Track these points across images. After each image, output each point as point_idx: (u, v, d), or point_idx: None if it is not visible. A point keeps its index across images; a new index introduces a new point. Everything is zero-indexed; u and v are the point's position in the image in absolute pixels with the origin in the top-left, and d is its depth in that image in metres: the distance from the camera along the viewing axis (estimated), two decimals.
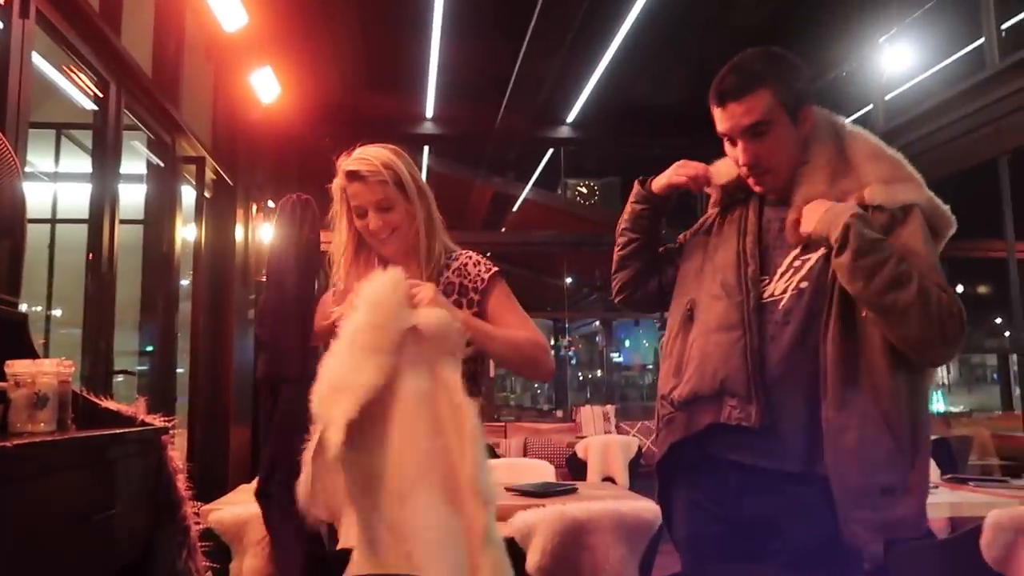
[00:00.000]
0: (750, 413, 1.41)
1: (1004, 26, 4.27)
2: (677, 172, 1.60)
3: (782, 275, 1.46)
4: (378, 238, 1.62)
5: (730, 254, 1.52)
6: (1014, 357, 9.94)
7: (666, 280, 1.69)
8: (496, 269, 1.66)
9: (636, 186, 1.67)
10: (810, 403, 1.38)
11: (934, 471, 3.55)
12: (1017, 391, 5.64)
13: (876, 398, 1.33)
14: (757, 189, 1.53)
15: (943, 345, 1.33)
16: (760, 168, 1.48)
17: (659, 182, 1.62)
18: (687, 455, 1.52)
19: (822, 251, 1.42)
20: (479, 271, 1.65)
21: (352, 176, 1.61)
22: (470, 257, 1.68)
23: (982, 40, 4.31)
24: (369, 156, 1.61)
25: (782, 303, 1.44)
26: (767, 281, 1.47)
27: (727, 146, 1.53)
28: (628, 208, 1.69)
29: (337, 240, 1.68)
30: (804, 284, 1.43)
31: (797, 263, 1.46)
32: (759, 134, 1.45)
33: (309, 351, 1.58)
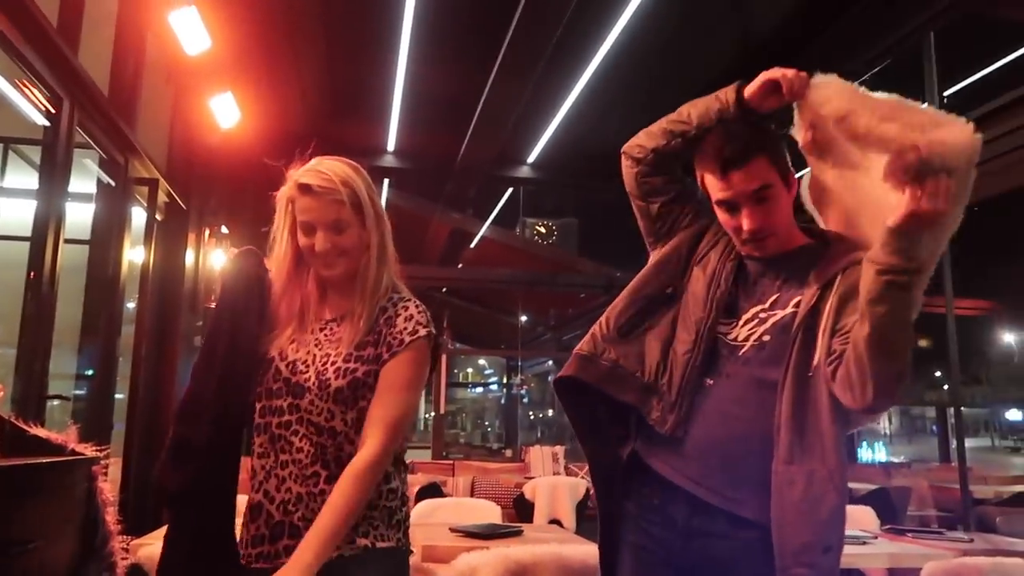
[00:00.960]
0: (667, 420, 1.46)
1: (947, 93, 4.47)
2: (772, 74, 1.47)
3: (746, 323, 1.49)
4: (323, 260, 1.47)
5: (699, 294, 1.55)
6: (951, 410, 10.23)
7: (671, 202, 1.65)
8: (421, 335, 1.46)
9: (730, 90, 1.52)
10: (764, 452, 1.40)
11: (874, 521, 3.61)
12: (954, 443, 5.80)
13: (824, 456, 1.35)
14: (755, 254, 1.53)
15: (898, 393, 1.36)
16: (764, 233, 1.48)
17: (752, 86, 1.49)
18: (635, 474, 1.53)
19: (791, 309, 1.46)
20: (404, 329, 1.46)
21: (304, 189, 1.46)
22: (407, 310, 1.49)
23: (925, 105, 4.50)
24: (326, 170, 1.46)
25: (743, 351, 1.47)
26: (733, 324, 1.51)
27: (723, 215, 1.52)
28: (709, 100, 1.55)
29: (276, 254, 1.52)
30: (766, 338, 1.46)
31: (763, 315, 1.48)
32: (763, 199, 1.46)
33: (225, 418, 1.46)
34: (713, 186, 1.51)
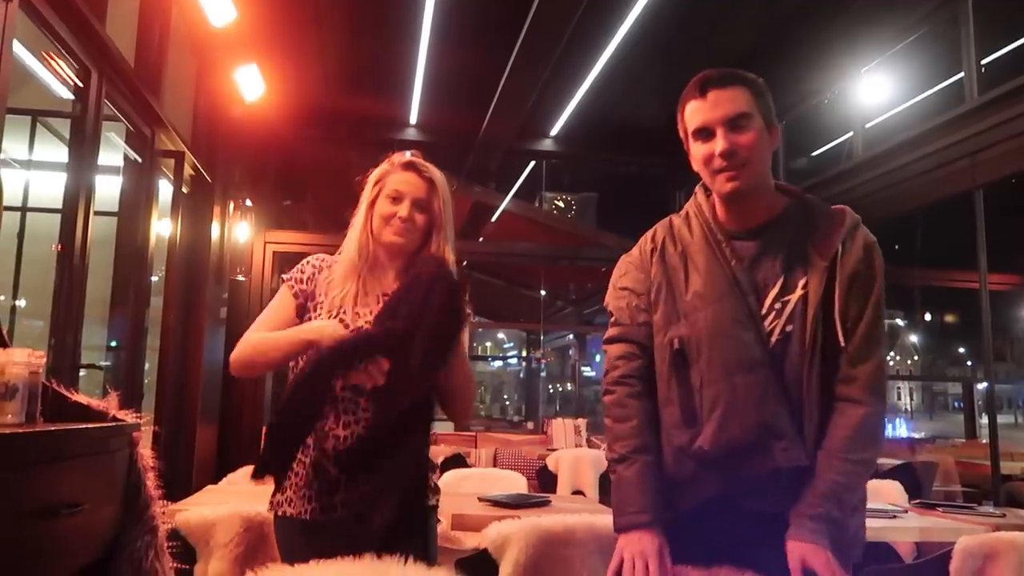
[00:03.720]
0: (801, 453, 1.38)
1: (984, 61, 4.36)
2: None
3: (765, 317, 1.43)
4: (400, 227, 1.66)
5: (715, 285, 1.45)
6: (977, 386, 10.12)
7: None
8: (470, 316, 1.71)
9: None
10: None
11: (902, 495, 3.59)
12: (984, 419, 5.73)
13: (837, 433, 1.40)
14: (727, 187, 1.44)
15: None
16: (738, 159, 1.42)
17: None
18: (692, 514, 1.46)
19: (800, 292, 1.42)
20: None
21: (409, 166, 1.71)
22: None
23: (962, 74, 4.40)
24: (426, 162, 1.74)
25: (771, 346, 1.42)
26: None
27: (696, 145, 1.47)
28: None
29: (355, 222, 1.72)
30: (789, 327, 1.42)
31: (778, 305, 1.43)
32: (740, 127, 1.42)
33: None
34: (692, 112, 1.47)
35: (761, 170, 1.46)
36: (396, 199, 1.68)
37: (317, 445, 1.58)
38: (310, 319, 1.67)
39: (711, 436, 1.40)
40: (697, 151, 1.48)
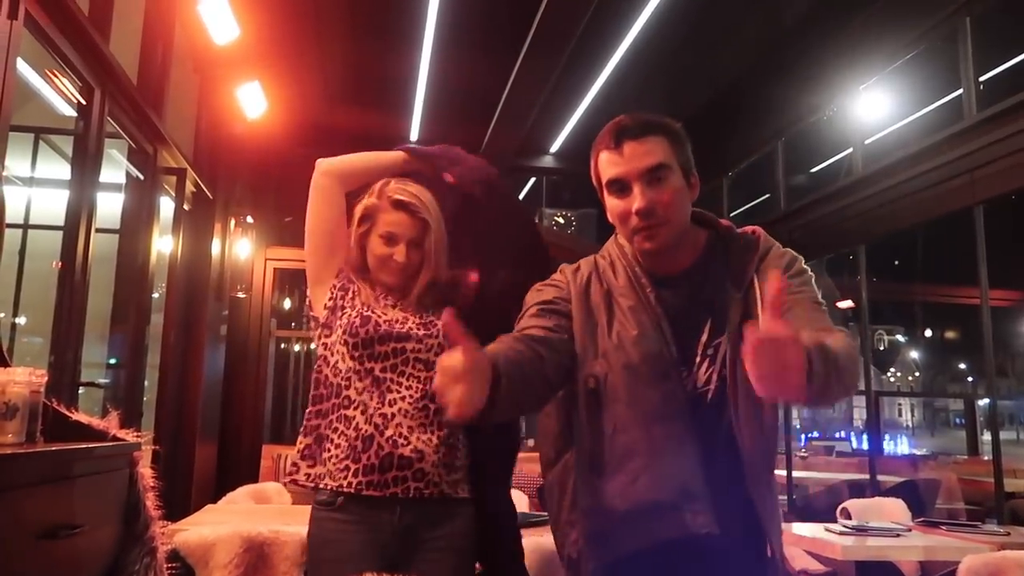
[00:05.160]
0: (711, 520, 1.29)
1: (983, 78, 4.38)
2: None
3: (699, 364, 1.37)
4: (394, 268, 1.67)
5: (640, 329, 1.36)
6: (979, 403, 10.09)
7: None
8: None
9: None
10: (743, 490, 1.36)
11: (905, 513, 3.57)
12: (986, 436, 5.70)
13: (772, 468, 1.42)
14: (644, 245, 1.36)
15: None
16: (656, 218, 1.32)
17: None
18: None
19: (724, 337, 1.35)
20: None
21: (398, 205, 1.66)
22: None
23: (960, 91, 4.42)
24: (416, 192, 1.68)
25: (710, 395, 1.35)
26: (687, 372, 1.37)
27: (611, 199, 1.38)
28: None
29: (348, 259, 1.74)
30: (724, 372, 1.35)
31: (710, 351, 1.37)
32: (657, 179, 1.33)
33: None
34: (605, 164, 1.37)
35: (680, 226, 1.38)
36: (390, 241, 1.67)
37: None
38: (342, 309, 1.70)
39: (620, 488, 1.32)
40: (613, 206, 1.38)
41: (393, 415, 1.60)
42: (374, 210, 1.68)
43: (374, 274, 1.72)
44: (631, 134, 1.35)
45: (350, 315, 1.66)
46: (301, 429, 1.68)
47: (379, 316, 1.66)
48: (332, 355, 1.67)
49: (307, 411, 1.68)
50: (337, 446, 1.61)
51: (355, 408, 1.61)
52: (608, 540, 1.36)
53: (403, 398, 1.62)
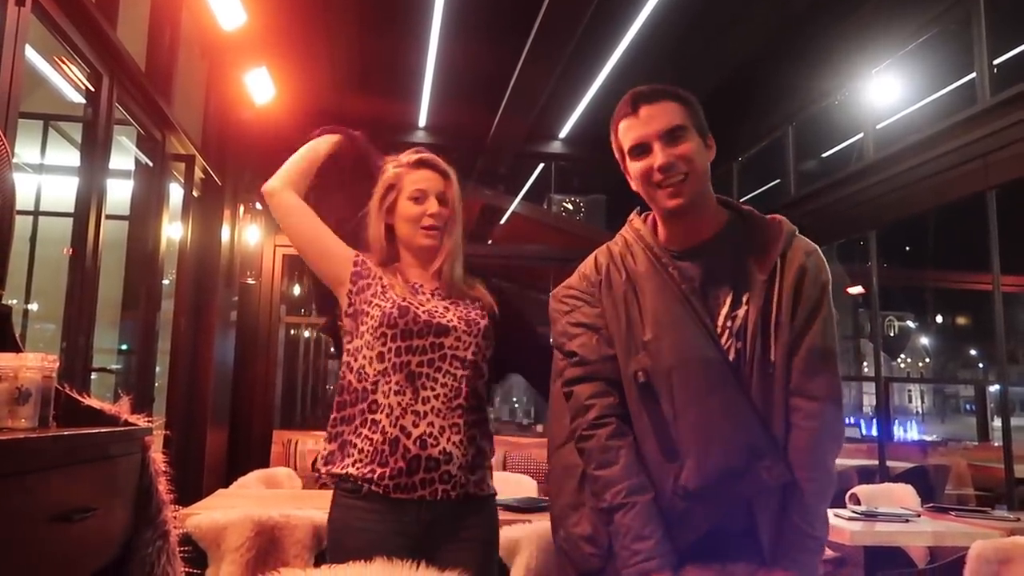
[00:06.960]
0: (783, 469, 1.35)
1: (996, 61, 4.32)
2: None
3: (720, 335, 1.41)
4: (429, 224, 1.68)
5: (670, 310, 1.41)
6: (990, 389, 10.05)
7: None
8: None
9: None
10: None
11: (914, 499, 3.57)
12: (996, 422, 5.68)
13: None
14: (670, 203, 1.41)
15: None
16: (678, 172, 1.39)
17: None
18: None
19: (745, 307, 1.40)
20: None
21: (422, 163, 1.72)
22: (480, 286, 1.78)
23: (973, 75, 4.36)
24: (426, 151, 1.75)
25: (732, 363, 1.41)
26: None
27: (633, 163, 1.44)
28: None
29: (372, 232, 1.73)
30: (739, 344, 1.40)
31: (729, 323, 1.42)
32: (676, 138, 1.40)
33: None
34: (625, 130, 1.45)
35: (702, 182, 1.43)
36: (419, 199, 1.69)
37: None
38: (360, 298, 1.69)
39: (695, 468, 1.34)
40: (635, 168, 1.44)
41: (425, 413, 1.58)
42: (397, 177, 1.72)
43: (407, 245, 1.72)
44: (647, 99, 1.43)
45: (384, 307, 1.63)
46: (325, 436, 1.67)
47: (417, 307, 1.64)
48: (356, 360, 1.65)
49: (331, 417, 1.66)
50: (361, 451, 1.60)
51: (381, 412, 1.59)
52: (692, 520, 1.38)
53: (436, 396, 1.60)
